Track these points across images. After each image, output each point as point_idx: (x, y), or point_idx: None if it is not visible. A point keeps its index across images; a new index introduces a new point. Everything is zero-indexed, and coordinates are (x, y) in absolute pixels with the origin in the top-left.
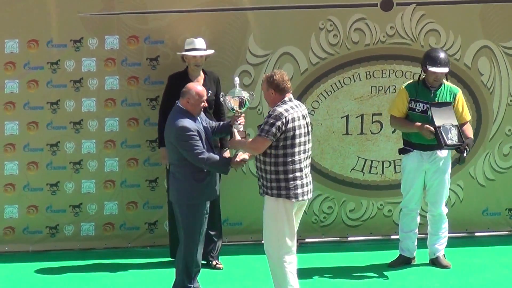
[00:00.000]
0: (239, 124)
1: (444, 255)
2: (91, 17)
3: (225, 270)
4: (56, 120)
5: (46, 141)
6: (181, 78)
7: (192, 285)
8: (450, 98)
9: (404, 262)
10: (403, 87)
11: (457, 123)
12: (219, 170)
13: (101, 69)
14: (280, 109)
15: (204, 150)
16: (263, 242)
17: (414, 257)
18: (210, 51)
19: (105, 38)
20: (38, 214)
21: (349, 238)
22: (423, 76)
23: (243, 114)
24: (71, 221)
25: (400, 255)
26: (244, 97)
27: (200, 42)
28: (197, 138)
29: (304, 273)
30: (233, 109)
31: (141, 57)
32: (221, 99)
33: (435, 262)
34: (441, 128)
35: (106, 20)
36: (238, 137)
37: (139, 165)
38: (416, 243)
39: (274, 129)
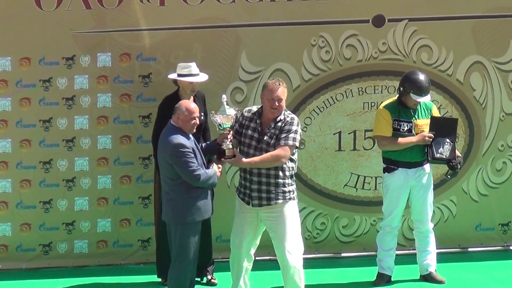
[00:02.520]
0: (229, 142)
1: (436, 270)
2: (83, 34)
3: (219, 286)
4: (49, 137)
5: (39, 158)
6: (172, 102)
7: None
8: (427, 113)
9: (387, 280)
10: (383, 107)
11: (454, 141)
12: (211, 185)
13: (93, 87)
14: (295, 116)
15: (199, 167)
16: (290, 255)
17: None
18: (205, 76)
19: (97, 56)
20: (31, 231)
21: (342, 254)
22: (398, 96)
23: (231, 131)
24: (64, 239)
25: (381, 274)
26: (235, 115)
27: (195, 67)
28: (192, 155)
29: None
30: (220, 126)
31: (134, 74)
32: (212, 118)
33: (428, 278)
34: (433, 141)
35: (98, 37)
36: (242, 157)
37: (132, 182)
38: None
39: (299, 136)
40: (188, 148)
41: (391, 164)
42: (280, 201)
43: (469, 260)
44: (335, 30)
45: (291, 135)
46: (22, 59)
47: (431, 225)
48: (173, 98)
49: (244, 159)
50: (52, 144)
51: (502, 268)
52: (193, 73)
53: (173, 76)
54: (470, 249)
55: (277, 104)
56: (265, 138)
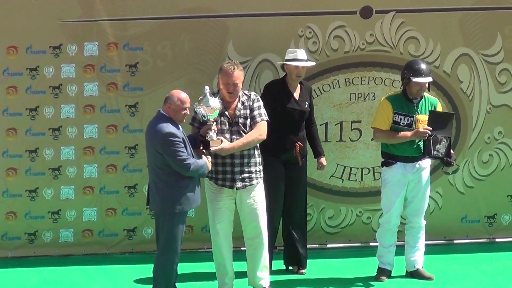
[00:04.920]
0: (214, 132)
1: (422, 266)
2: (71, 23)
3: (208, 276)
4: (35, 126)
5: (25, 147)
6: (280, 87)
7: None
8: (431, 109)
9: (388, 275)
10: (385, 99)
11: (451, 136)
12: (201, 175)
13: (80, 76)
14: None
15: (189, 156)
16: (261, 230)
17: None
18: (312, 63)
19: (84, 45)
20: (17, 220)
21: (328, 245)
22: (402, 88)
23: (215, 122)
24: (50, 228)
25: (382, 269)
26: (219, 106)
27: (302, 53)
28: (182, 145)
29: (282, 281)
30: (204, 117)
31: (120, 64)
32: (197, 109)
33: (414, 274)
34: (431, 137)
35: (86, 26)
36: (227, 143)
37: (118, 171)
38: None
39: None
40: (178, 137)
41: (389, 158)
42: (259, 180)
43: (455, 252)
44: (323, 21)
45: (262, 110)
46: (9, 48)
47: (424, 222)
48: (279, 82)
49: (233, 145)
50: (38, 133)
51: (488, 261)
52: (299, 58)
53: (281, 61)
54: (455, 241)
55: (232, 88)
56: (240, 121)
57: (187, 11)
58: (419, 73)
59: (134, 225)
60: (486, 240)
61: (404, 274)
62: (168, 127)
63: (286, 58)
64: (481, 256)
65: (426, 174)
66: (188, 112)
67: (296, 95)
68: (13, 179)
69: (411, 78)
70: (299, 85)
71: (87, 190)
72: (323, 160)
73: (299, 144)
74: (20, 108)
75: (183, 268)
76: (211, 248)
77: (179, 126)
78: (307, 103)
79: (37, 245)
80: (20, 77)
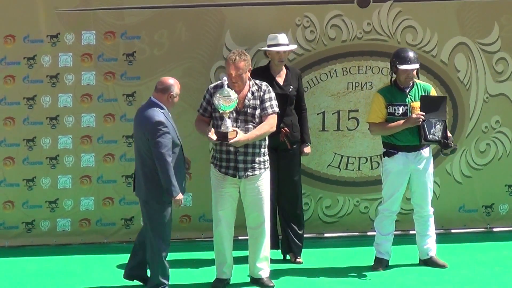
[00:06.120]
0: (229, 123)
1: (436, 254)
2: (68, 12)
3: (206, 265)
4: (33, 115)
5: (23, 136)
6: (263, 74)
7: (168, 282)
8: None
9: (385, 265)
10: (377, 92)
11: (445, 119)
12: (165, 183)
13: (77, 65)
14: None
15: (170, 151)
16: (264, 220)
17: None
18: (293, 46)
19: (82, 34)
20: (14, 209)
21: (326, 235)
22: (394, 78)
23: (230, 114)
24: (47, 217)
25: (380, 258)
26: (235, 97)
27: (283, 38)
28: (169, 136)
29: (280, 270)
30: (221, 108)
31: (118, 53)
32: (216, 101)
33: (428, 262)
34: (424, 122)
35: (83, 15)
36: (242, 134)
37: (115, 160)
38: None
39: None
40: (167, 127)
41: (391, 148)
42: (262, 170)
43: (452, 242)
44: (320, 10)
45: (273, 102)
46: (6, 37)
47: (431, 210)
48: (263, 68)
49: (247, 136)
50: (36, 122)
51: (485, 250)
52: (280, 43)
53: (262, 48)
54: (453, 231)
55: (232, 78)
56: (248, 111)
57: (184, 0)
58: (405, 61)
59: (132, 214)
60: (483, 229)
61: (418, 262)
62: (159, 116)
63: (267, 44)
64: (478, 245)
65: (428, 162)
66: None
67: (280, 79)
68: (10, 168)
69: (397, 65)
70: (284, 70)
71: (85, 179)
72: (306, 148)
73: (284, 130)
74: (17, 97)
75: (180, 257)
76: (209, 238)
77: (169, 112)
78: (292, 87)
79: (34, 234)
80: (18, 66)
